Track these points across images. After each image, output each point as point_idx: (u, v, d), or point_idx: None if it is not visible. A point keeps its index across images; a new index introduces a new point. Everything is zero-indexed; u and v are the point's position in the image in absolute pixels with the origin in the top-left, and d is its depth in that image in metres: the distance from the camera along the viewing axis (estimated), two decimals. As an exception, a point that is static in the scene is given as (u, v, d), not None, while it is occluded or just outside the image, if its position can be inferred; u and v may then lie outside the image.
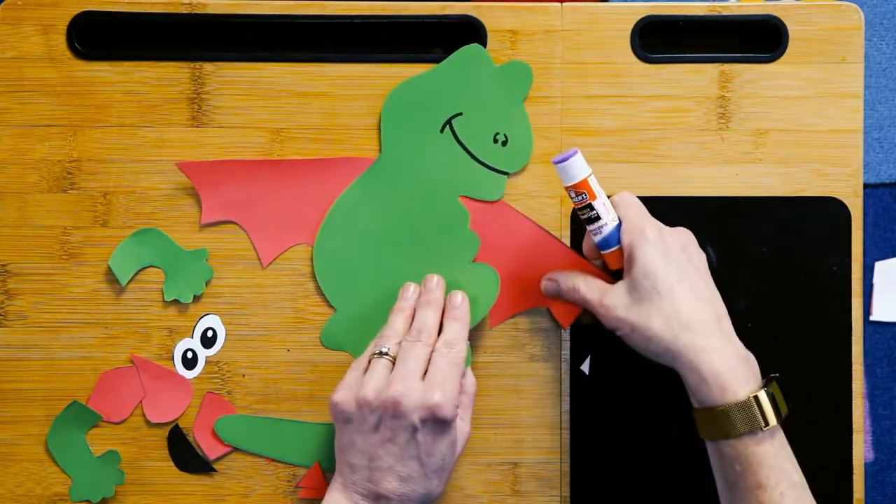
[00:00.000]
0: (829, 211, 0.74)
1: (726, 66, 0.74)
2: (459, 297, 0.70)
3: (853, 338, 0.74)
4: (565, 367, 0.74)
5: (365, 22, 0.74)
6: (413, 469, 0.63)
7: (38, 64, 0.74)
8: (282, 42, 0.74)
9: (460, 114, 0.73)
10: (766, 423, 0.62)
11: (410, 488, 0.63)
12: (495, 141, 0.73)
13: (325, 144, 0.74)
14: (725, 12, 0.74)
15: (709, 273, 0.67)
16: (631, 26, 0.74)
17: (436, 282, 0.70)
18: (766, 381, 0.65)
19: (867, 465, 0.76)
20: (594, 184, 0.66)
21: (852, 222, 0.74)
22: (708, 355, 0.63)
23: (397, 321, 0.68)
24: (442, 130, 0.73)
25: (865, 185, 0.77)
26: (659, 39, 0.74)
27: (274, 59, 0.74)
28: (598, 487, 0.74)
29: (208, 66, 0.74)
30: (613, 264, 0.68)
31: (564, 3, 0.74)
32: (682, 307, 0.64)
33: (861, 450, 0.74)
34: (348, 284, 0.73)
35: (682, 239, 0.67)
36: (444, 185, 0.73)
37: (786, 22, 0.74)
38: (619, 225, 0.67)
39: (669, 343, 0.64)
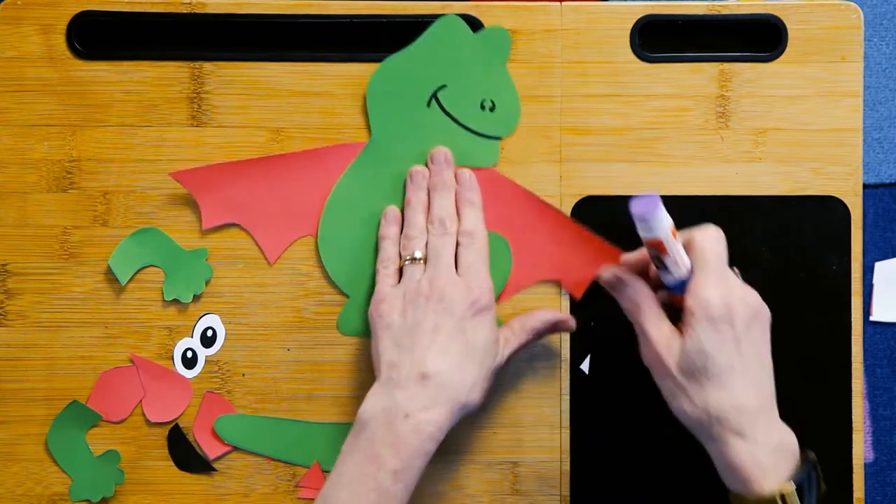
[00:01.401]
0: (829, 210, 0.74)
1: (726, 66, 0.74)
2: (467, 174, 0.72)
3: (853, 338, 0.74)
4: (565, 366, 0.74)
5: (365, 22, 0.74)
6: (456, 351, 0.65)
7: (38, 64, 0.74)
8: (282, 42, 0.74)
9: (445, 86, 0.73)
10: None
11: (454, 369, 0.65)
12: (483, 108, 0.73)
13: (326, 143, 0.74)
14: (725, 12, 0.74)
15: (768, 347, 0.63)
16: (630, 26, 0.74)
17: (444, 156, 0.72)
18: (801, 467, 0.62)
19: (867, 466, 0.76)
20: (669, 240, 0.62)
21: (852, 222, 0.74)
22: (738, 447, 0.61)
23: (418, 217, 0.70)
24: (429, 105, 0.73)
25: (865, 186, 0.77)
26: (659, 39, 0.74)
27: (274, 58, 0.74)
28: (598, 487, 0.74)
29: (208, 66, 0.74)
30: (678, 304, 0.65)
31: (564, 3, 0.74)
32: (726, 395, 0.61)
33: (861, 450, 0.74)
34: (357, 269, 0.73)
35: (751, 312, 0.62)
36: None
37: (785, 21, 0.74)
38: (692, 273, 0.63)
39: (703, 424, 0.62)
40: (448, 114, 0.73)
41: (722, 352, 0.61)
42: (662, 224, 0.61)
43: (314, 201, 0.74)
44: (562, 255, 0.74)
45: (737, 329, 0.62)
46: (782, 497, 0.60)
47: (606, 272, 0.68)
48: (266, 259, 0.74)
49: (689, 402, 0.62)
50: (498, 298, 0.73)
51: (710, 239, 0.64)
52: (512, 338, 0.69)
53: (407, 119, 0.73)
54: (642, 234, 0.62)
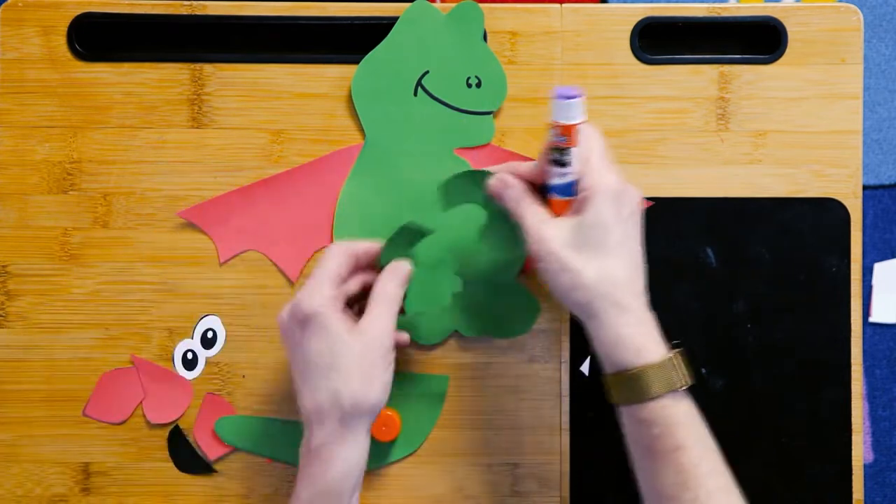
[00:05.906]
0: (829, 212, 0.74)
1: (726, 68, 0.74)
2: None
3: (852, 339, 0.74)
4: (565, 368, 0.74)
5: (365, 23, 0.74)
6: (300, 373, 0.64)
7: (39, 65, 0.74)
8: (282, 44, 0.74)
9: (427, 72, 0.74)
10: (683, 384, 0.62)
11: (309, 390, 0.63)
12: (469, 85, 0.74)
13: (326, 145, 0.74)
14: (725, 13, 0.74)
15: (641, 235, 0.65)
16: (630, 27, 0.74)
17: None
18: (674, 346, 0.64)
19: (867, 467, 0.76)
20: (580, 132, 0.64)
21: (851, 223, 0.74)
22: (627, 318, 0.62)
23: None
24: (416, 93, 0.73)
25: (865, 187, 0.77)
26: (658, 41, 0.74)
27: (274, 60, 0.74)
28: (598, 488, 0.74)
29: (208, 68, 0.74)
30: (558, 211, 0.66)
31: (564, 5, 0.74)
32: (619, 268, 0.63)
33: (861, 451, 0.74)
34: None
35: (636, 200, 0.65)
36: (436, 145, 0.74)
37: (785, 23, 0.74)
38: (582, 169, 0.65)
39: (595, 298, 0.62)
40: (436, 98, 0.74)
41: (616, 226, 0.63)
42: (580, 111, 0.63)
43: (324, 212, 0.74)
44: None
45: (627, 209, 0.63)
46: (671, 361, 0.61)
47: (494, 179, 0.68)
48: (288, 279, 0.74)
49: (575, 277, 0.62)
50: (525, 269, 0.73)
51: (595, 135, 0.65)
52: (374, 320, 0.65)
53: (397, 112, 0.74)
54: (561, 118, 0.63)
